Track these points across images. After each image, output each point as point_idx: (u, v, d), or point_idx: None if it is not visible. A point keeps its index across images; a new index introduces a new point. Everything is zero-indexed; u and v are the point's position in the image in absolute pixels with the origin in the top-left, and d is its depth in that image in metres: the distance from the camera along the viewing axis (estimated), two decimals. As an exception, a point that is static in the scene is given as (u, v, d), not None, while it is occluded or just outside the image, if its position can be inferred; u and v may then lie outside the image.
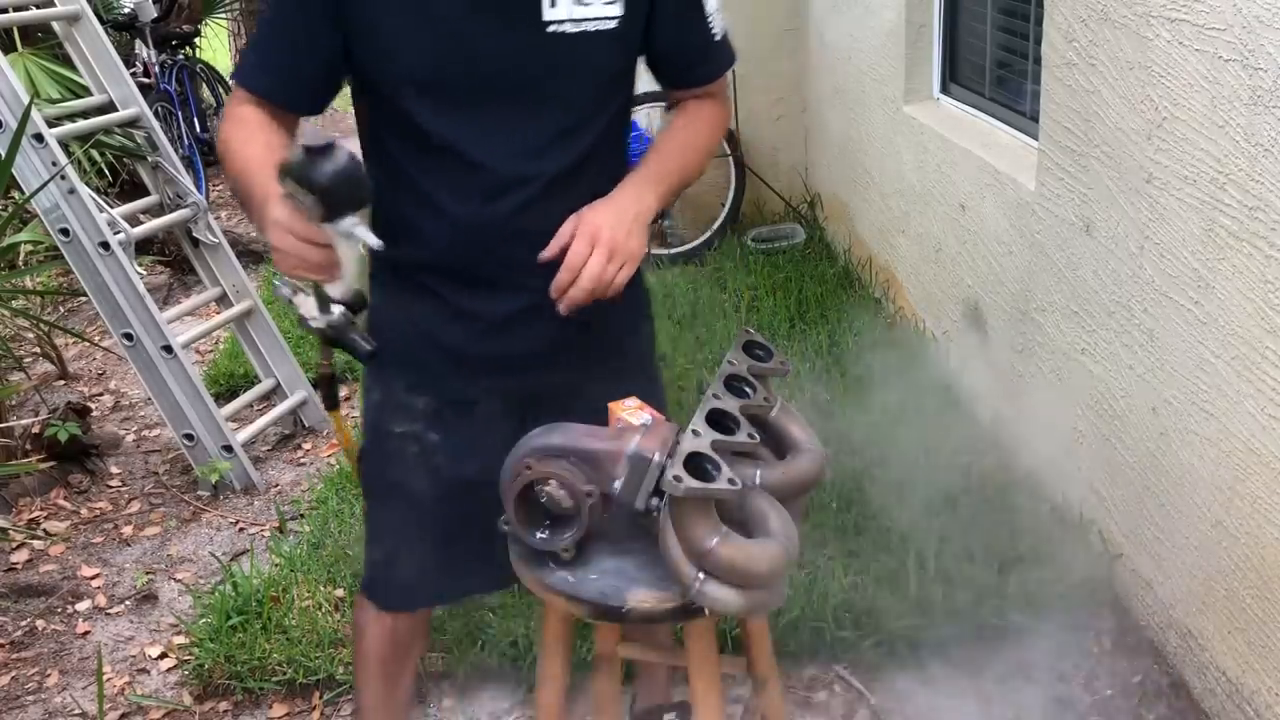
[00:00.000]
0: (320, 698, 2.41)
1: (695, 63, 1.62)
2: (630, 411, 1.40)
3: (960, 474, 2.89)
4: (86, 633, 2.77)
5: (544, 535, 1.38)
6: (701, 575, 1.24)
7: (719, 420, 1.36)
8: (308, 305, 1.50)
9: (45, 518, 3.25)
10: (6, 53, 3.68)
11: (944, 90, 3.56)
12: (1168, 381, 2.19)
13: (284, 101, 1.53)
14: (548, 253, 1.44)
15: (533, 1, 1.42)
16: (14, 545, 3.12)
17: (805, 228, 4.74)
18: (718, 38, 1.60)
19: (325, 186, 1.35)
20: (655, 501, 1.34)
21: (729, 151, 4.74)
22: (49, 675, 2.62)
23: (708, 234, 4.75)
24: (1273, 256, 1.83)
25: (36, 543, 3.13)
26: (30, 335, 4.36)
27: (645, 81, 1.64)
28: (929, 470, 2.88)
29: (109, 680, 2.54)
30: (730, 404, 1.38)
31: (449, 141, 1.48)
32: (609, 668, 1.78)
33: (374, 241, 1.42)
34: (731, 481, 1.24)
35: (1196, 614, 2.18)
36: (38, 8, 3.57)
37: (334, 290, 1.48)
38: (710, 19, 1.58)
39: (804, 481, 1.40)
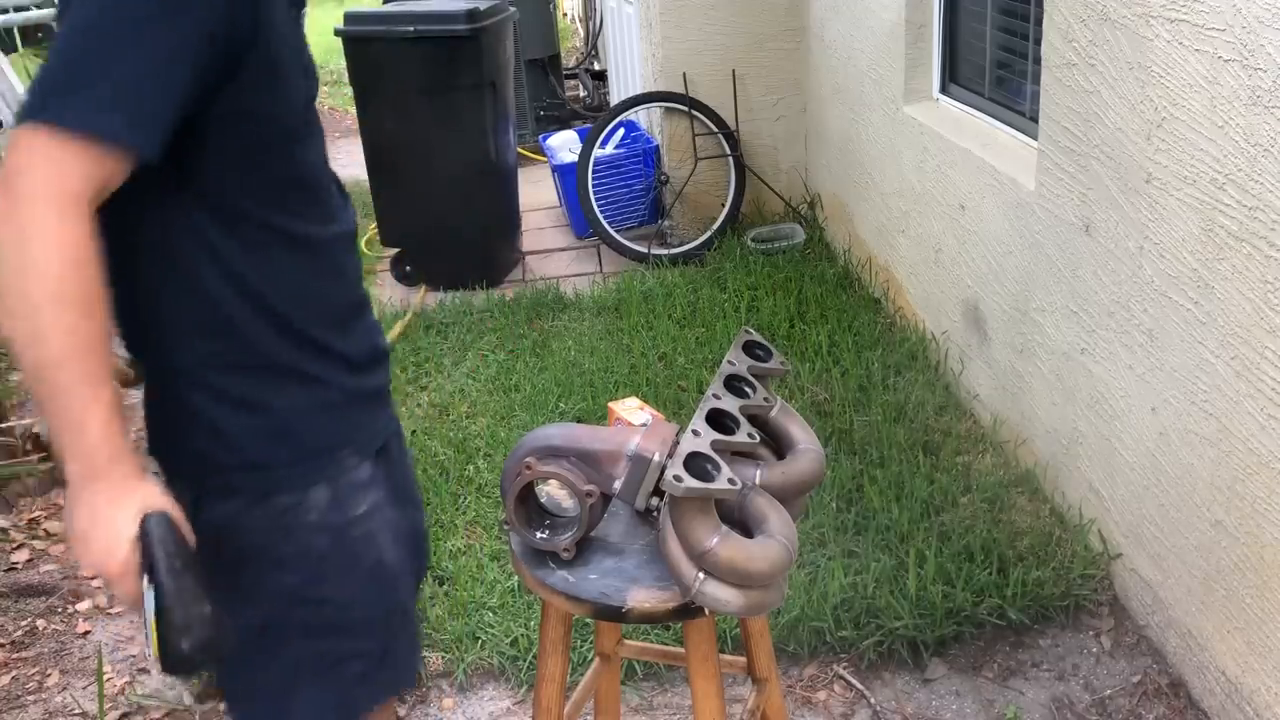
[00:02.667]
0: (320, 698, 2.41)
1: None
2: (630, 411, 1.40)
3: (959, 473, 2.89)
4: (87, 632, 2.76)
5: (544, 535, 1.38)
6: (701, 575, 1.24)
7: (719, 420, 1.36)
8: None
9: (45, 518, 3.25)
10: (7, 53, 3.69)
11: (944, 90, 3.56)
12: (1167, 381, 2.19)
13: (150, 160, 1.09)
14: None
15: None
16: (14, 545, 3.12)
17: (805, 228, 4.74)
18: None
19: None
20: (655, 501, 1.34)
21: (729, 151, 4.74)
22: (49, 675, 2.62)
23: (708, 234, 4.75)
24: (1273, 256, 1.83)
25: (37, 543, 3.13)
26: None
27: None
28: (929, 470, 2.88)
29: (109, 680, 2.54)
30: (730, 404, 1.38)
31: (320, 179, 1.27)
32: (609, 668, 1.79)
33: None
34: (731, 481, 1.24)
35: (1196, 614, 2.18)
36: (37, 8, 3.57)
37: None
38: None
39: (804, 481, 1.40)
